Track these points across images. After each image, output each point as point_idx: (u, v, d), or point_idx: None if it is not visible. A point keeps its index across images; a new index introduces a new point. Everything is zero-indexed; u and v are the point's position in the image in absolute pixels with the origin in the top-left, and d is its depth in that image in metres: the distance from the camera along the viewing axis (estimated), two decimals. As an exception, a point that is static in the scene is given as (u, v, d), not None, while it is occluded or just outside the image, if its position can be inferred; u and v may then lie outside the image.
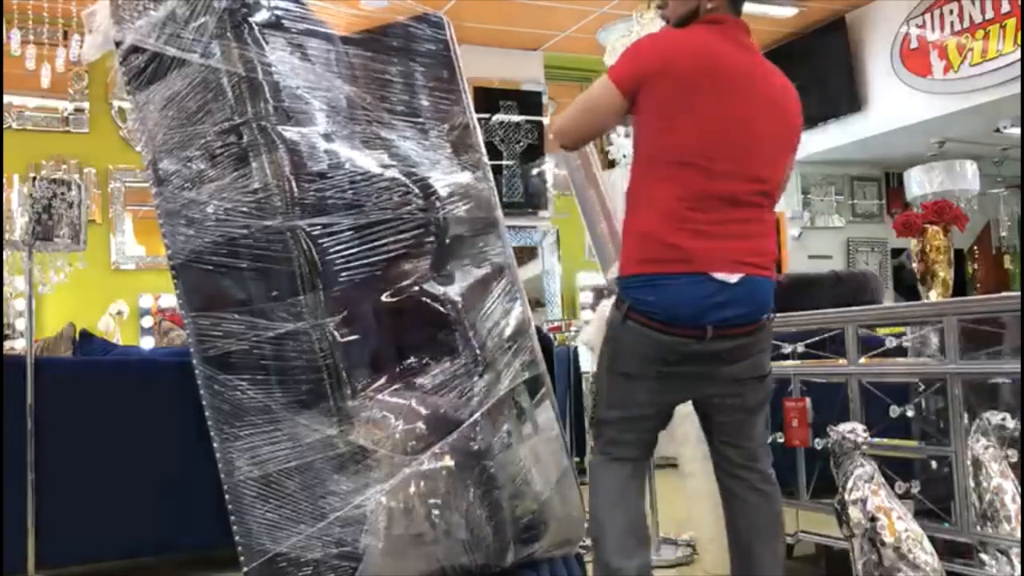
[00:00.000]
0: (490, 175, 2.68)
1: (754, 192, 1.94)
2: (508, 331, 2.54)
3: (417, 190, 2.44)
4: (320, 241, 2.25)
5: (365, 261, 2.30)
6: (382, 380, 2.26)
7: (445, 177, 2.52)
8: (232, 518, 2.18)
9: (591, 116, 2.00)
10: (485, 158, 2.71)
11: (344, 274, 2.28)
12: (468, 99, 2.73)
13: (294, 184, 2.27)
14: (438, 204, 2.47)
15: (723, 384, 1.99)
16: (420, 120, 2.58)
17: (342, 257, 2.28)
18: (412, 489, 2.21)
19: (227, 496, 2.19)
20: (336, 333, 2.23)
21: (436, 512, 2.23)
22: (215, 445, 2.21)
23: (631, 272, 1.93)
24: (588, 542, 3.54)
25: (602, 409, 2.03)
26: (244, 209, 2.23)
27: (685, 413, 3.10)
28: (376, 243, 2.31)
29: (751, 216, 1.93)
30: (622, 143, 7.30)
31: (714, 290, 1.85)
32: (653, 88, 1.90)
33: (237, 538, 2.17)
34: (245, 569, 2.16)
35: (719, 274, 1.85)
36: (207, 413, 2.20)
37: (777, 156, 2.06)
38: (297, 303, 2.22)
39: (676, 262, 1.85)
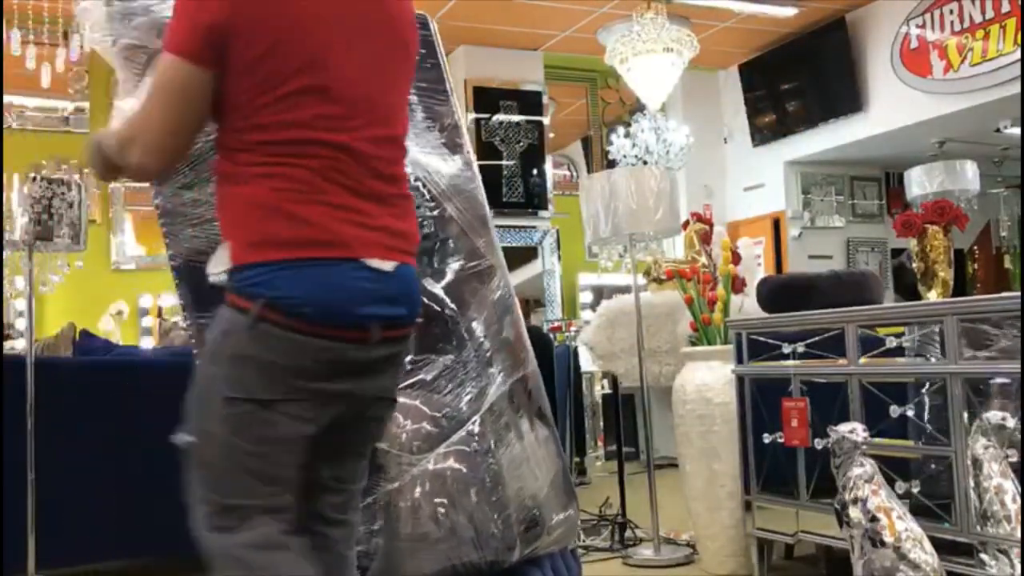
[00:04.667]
0: (478, 174, 2.70)
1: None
2: (502, 329, 2.55)
3: (415, 190, 2.44)
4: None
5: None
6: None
7: (439, 176, 2.52)
8: (235, 518, 2.17)
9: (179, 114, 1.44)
10: (473, 156, 2.73)
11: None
12: (455, 98, 2.75)
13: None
14: (434, 203, 2.47)
15: (364, 405, 1.56)
16: (413, 120, 2.58)
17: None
18: (420, 489, 2.21)
19: (228, 496, 2.18)
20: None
21: (443, 511, 2.23)
22: (216, 445, 2.20)
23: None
24: (585, 539, 3.57)
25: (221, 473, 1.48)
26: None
27: (685, 413, 3.11)
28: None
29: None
30: (622, 143, 7.31)
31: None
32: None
33: (238, 538, 2.16)
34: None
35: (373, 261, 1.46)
36: (209, 413, 2.20)
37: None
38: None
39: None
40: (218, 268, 1.47)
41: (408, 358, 2.31)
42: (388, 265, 1.47)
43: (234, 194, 1.46)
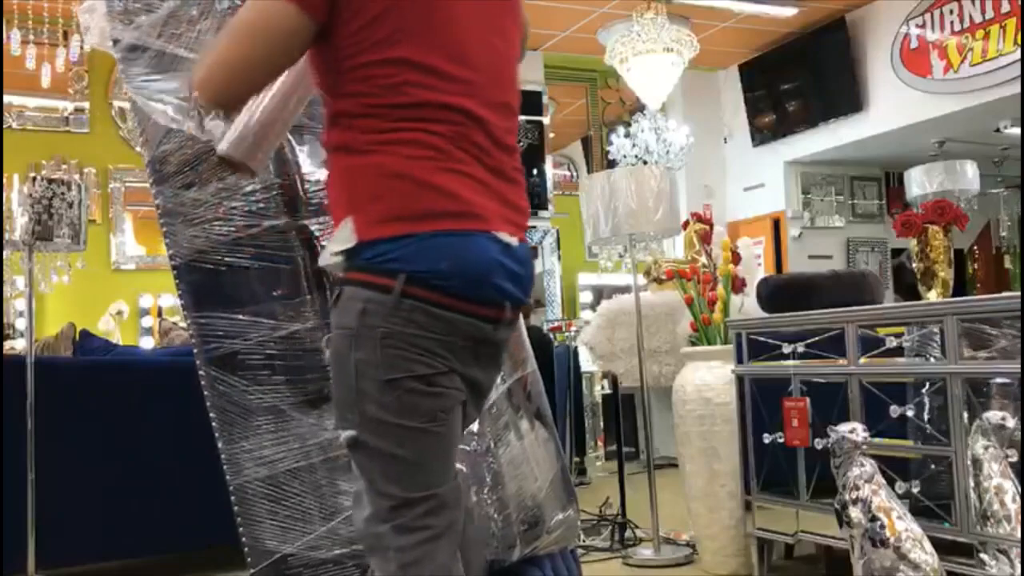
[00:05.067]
0: None
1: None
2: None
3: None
4: (324, 241, 2.26)
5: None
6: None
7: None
8: (238, 519, 2.18)
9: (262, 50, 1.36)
10: None
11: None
12: None
13: (299, 184, 2.28)
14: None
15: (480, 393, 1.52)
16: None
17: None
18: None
19: (233, 497, 2.19)
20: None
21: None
22: (220, 445, 2.21)
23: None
24: (585, 539, 3.57)
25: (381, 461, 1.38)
26: (248, 209, 2.24)
27: (685, 413, 3.11)
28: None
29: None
30: (622, 143, 7.31)
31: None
32: None
33: (243, 539, 2.17)
34: (252, 570, 2.16)
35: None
36: (211, 414, 2.20)
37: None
38: (304, 303, 2.23)
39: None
40: (339, 247, 1.35)
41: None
42: (514, 240, 1.41)
43: (357, 165, 1.36)
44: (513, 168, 1.46)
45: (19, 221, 2.85)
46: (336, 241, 1.37)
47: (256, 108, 2.01)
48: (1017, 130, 7.27)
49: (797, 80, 7.91)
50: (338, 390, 1.40)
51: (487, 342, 1.42)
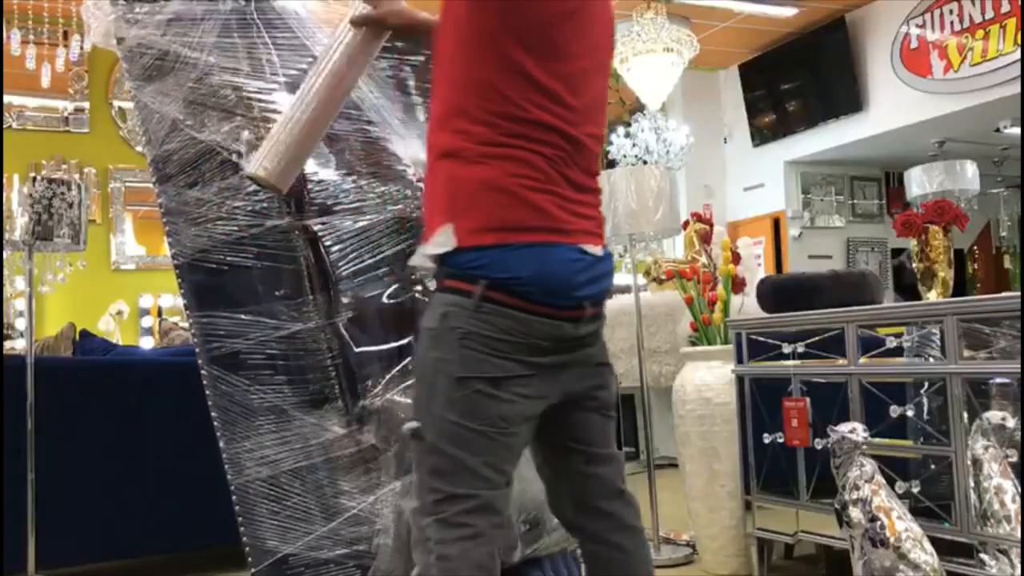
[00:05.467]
0: None
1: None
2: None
3: (418, 190, 2.45)
4: (327, 241, 2.26)
5: (372, 261, 2.31)
6: (391, 379, 2.27)
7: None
8: (239, 519, 2.18)
9: None
10: None
11: (351, 274, 2.28)
12: None
13: (302, 184, 2.28)
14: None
15: (588, 373, 1.58)
16: (416, 121, 2.58)
17: (349, 257, 2.29)
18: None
19: (234, 497, 2.19)
20: (345, 333, 2.24)
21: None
22: (221, 445, 2.21)
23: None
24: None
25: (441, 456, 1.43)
26: (251, 208, 2.24)
27: (685, 413, 3.12)
28: (382, 243, 2.32)
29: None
30: (622, 143, 7.31)
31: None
32: None
33: (244, 539, 2.17)
34: (253, 570, 2.16)
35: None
36: (213, 413, 2.20)
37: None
38: (306, 303, 2.23)
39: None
40: (437, 250, 1.46)
41: (408, 359, 2.31)
42: (598, 250, 1.52)
43: (463, 176, 1.45)
44: (593, 188, 1.57)
45: (19, 221, 2.85)
46: (434, 244, 1.46)
47: (288, 127, 2.04)
48: (1017, 130, 7.28)
49: (797, 80, 7.92)
50: (415, 387, 1.52)
51: (569, 338, 1.49)
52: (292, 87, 2.36)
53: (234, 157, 2.24)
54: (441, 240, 1.45)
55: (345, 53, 2.01)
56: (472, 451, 1.42)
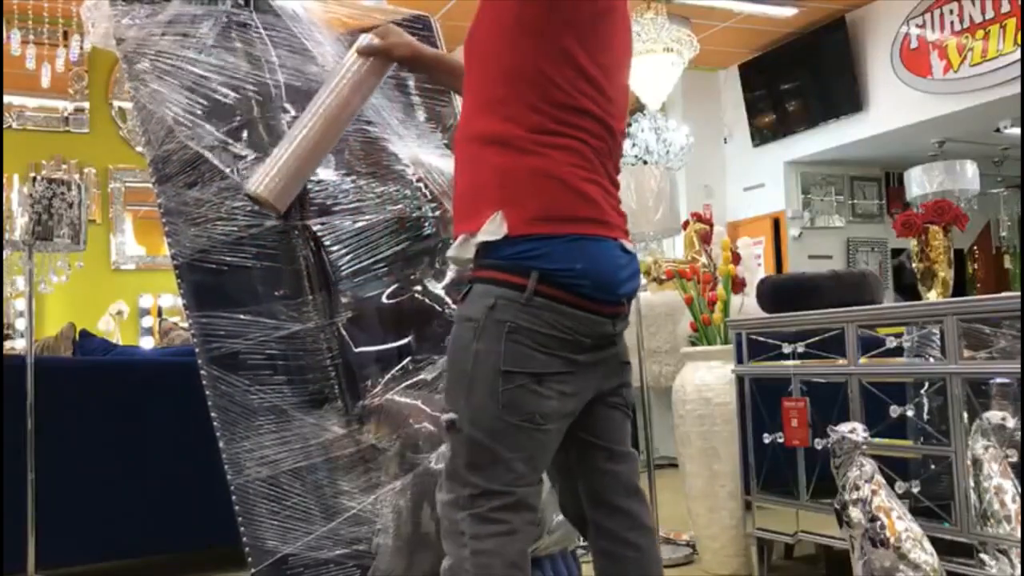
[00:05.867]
0: None
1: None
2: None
3: (417, 191, 2.45)
4: (327, 241, 2.26)
5: (371, 261, 2.31)
6: (390, 379, 2.27)
7: (441, 176, 2.53)
8: (239, 519, 2.18)
9: None
10: None
11: (351, 274, 2.29)
12: (456, 100, 2.74)
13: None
14: (435, 203, 2.47)
15: (616, 371, 1.58)
16: (416, 121, 2.58)
17: (348, 257, 2.29)
18: (420, 489, 2.21)
19: (234, 497, 2.19)
20: (345, 333, 2.24)
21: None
22: (221, 445, 2.21)
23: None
24: (583, 541, 3.56)
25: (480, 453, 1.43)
26: (251, 208, 2.24)
27: (685, 413, 3.12)
28: (381, 243, 2.32)
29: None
30: (622, 143, 7.30)
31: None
32: None
33: (244, 539, 2.17)
34: (253, 570, 2.16)
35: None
36: (212, 413, 2.21)
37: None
38: (306, 303, 2.24)
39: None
40: (488, 238, 1.42)
41: (408, 359, 2.31)
42: (631, 246, 1.53)
43: (517, 164, 1.43)
44: (618, 185, 1.58)
45: (19, 221, 2.85)
46: (485, 232, 1.43)
47: (290, 149, 2.07)
48: (1017, 130, 7.28)
49: (797, 80, 7.92)
50: (451, 376, 1.49)
51: (608, 335, 1.51)
52: (291, 87, 2.37)
53: (227, 170, 2.25)
54: (492, 228, 1.42)
55: (351, 81, 2.06)
56: (510, 445, 1.41)
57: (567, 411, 1.47)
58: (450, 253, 1.52)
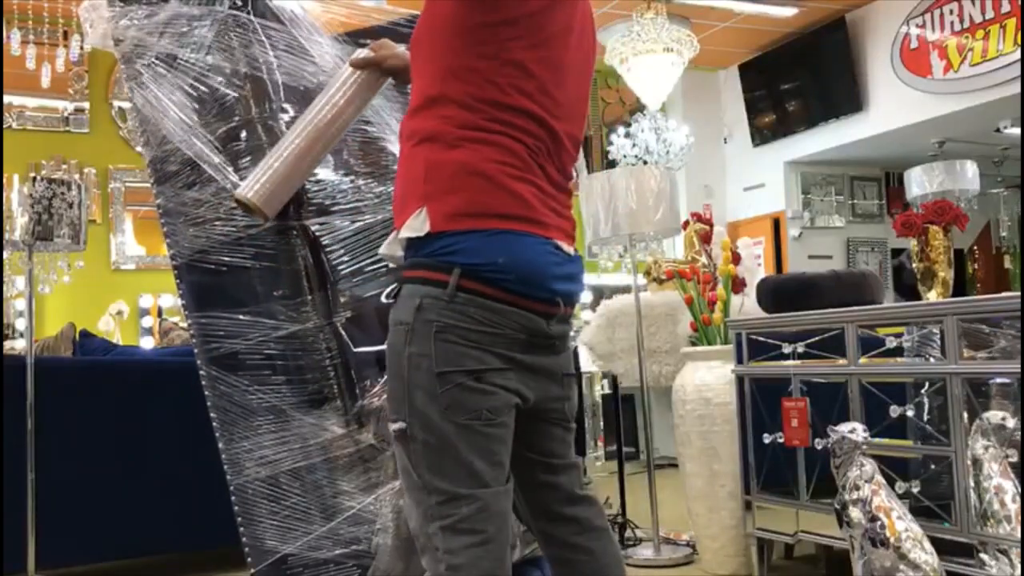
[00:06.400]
0: None
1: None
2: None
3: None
4: (325, 241, 2.26)
5: (370, 261, 2.31)
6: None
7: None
8: (239, 519, 2.18)
9: None
10: None
11: (349, 274, 2.29)
12: None
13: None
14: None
15: (558, 381, 1.56)
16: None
17: (347, 257, 2.29)
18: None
19: (234, 497, 2.19)
20: (344, 333, 2.24)
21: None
22: (220, 445, 2.21)
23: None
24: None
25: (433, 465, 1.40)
26: (250, 208, 2.24)
27: (685, 413, 3.11)
28: (380, 243, 2.32)
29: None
30: (622, 143, 7.31)
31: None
32: None
33: (244, 539, 2.17)
34: (253, 570, 2.16)
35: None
36: (212, 414, 2.21)
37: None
38: (305, 303, 2.24)
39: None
40: (411, 234, 1.41)
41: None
42: (570, 249, 1.50)
43: (442, 159, 1.41)
44: (566, 190, 1.54)
45: (19, 221, 2.85)
46: (408, 228, 1.42)
47: (281, 156, 2.10)
48: (1017, 130, 7.27)
49: (797, 80, 7.92)
50: (391, 384, 1.45)
51: (541, 334, 1.46)
52: (289, 88, 2.37)
53: (219, 178, 2.25)
54: (415, 224, 1.41)
55: (345, 92, 2.09)
56: (464, 446, 1.38)
57: (515, 403, 1.44)
58: (381, 250, 1.51)
